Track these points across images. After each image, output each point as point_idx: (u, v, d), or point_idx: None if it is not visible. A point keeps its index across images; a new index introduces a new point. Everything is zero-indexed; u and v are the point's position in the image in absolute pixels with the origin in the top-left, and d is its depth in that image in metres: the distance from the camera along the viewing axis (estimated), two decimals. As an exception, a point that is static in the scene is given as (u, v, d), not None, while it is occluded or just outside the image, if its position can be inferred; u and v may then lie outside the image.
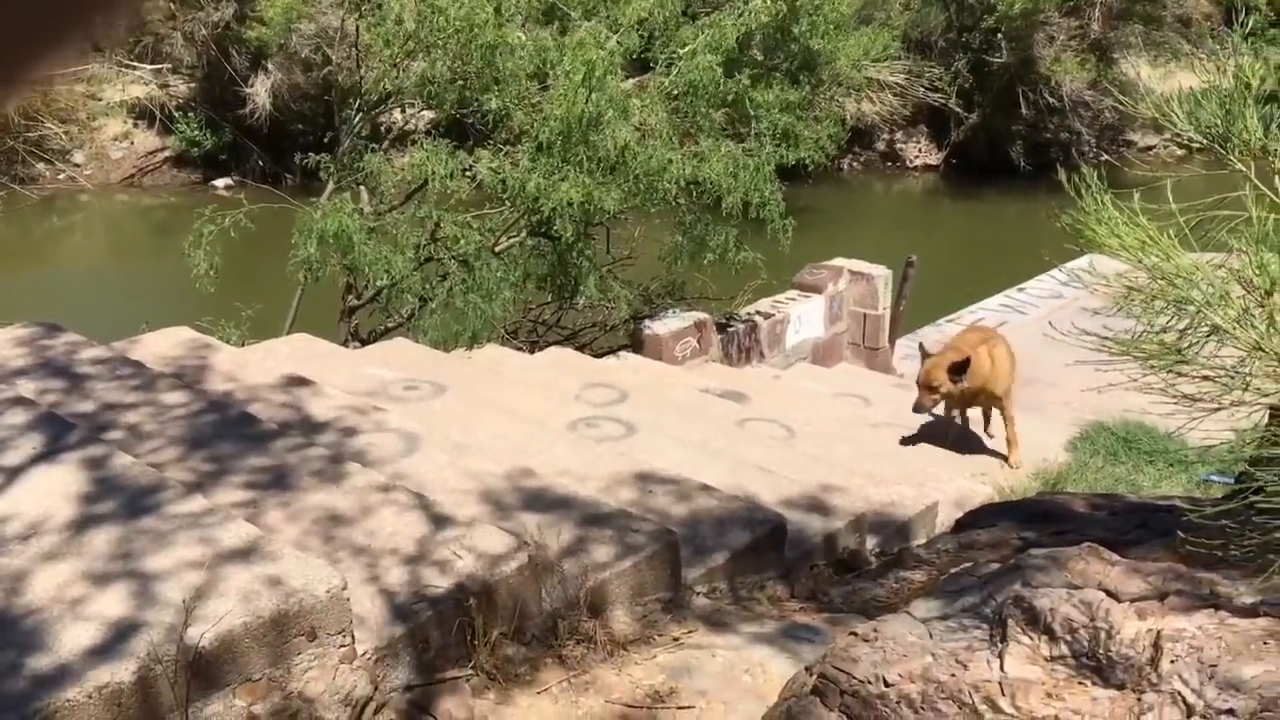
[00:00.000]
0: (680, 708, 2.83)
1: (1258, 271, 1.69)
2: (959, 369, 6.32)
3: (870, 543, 4.44)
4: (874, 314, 9.95)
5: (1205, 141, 2.29)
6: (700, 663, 3.04)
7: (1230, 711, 1.84)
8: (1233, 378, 1.68)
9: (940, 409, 6.84)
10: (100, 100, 19.49)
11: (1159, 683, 1.95)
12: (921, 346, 6.74)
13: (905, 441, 6.82)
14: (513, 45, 7.85)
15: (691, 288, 9.76)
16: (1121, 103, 2.18)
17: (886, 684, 2.16)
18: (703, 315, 9.01)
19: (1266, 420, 2.13)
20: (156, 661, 2.33)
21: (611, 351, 8.64)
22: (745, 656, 3.09)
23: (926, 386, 6.39)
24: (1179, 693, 1.92)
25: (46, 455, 3.27)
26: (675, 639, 3.17)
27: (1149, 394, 2.19)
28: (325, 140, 10.88)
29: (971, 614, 2.36)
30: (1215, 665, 1.92)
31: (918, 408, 6.51)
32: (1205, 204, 2.21)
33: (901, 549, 4.21)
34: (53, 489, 3.07)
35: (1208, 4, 24.01)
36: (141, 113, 19.51)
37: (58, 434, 3.44)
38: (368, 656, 2.69)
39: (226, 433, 3.81)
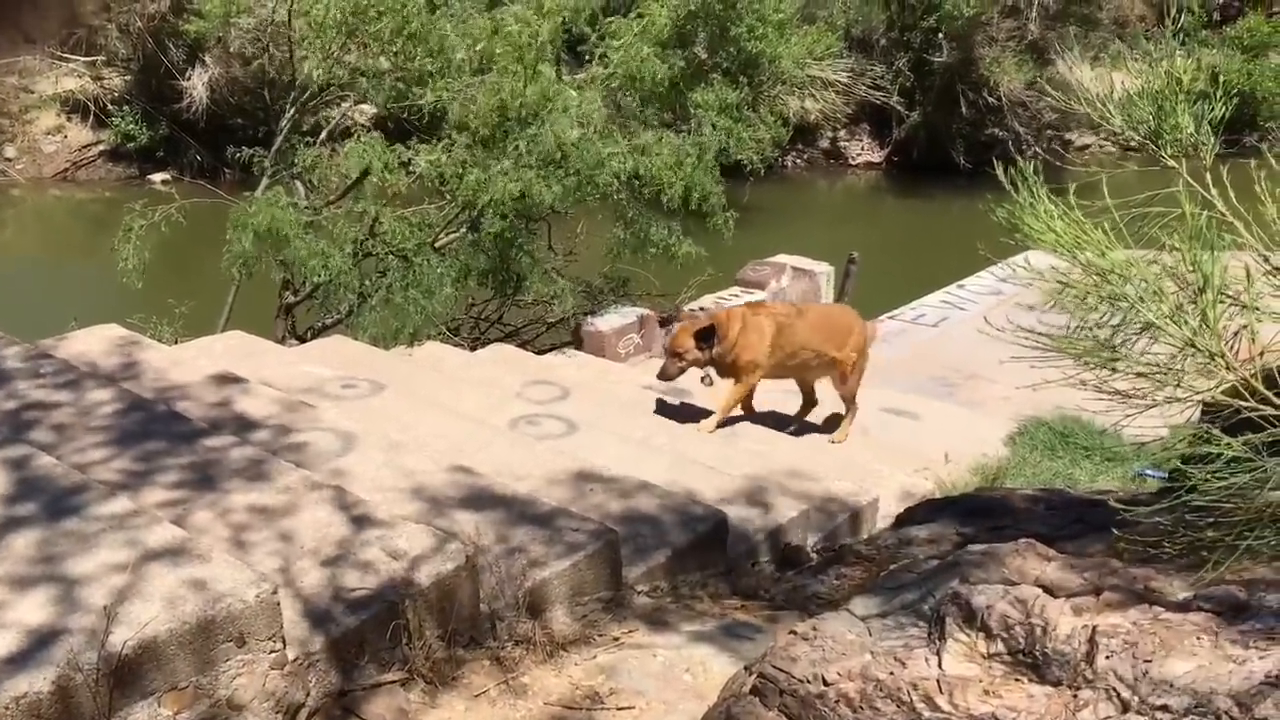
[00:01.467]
0: (620, 708, 2.80)
1: (1191, 268, 1.70)
2: (706, 335, 6.06)
3: (812, 539, 4.44)
4: (816, 310, 9.98)
5: (1139, 138, 2.30)
6: (640, 662, 3.02)
7: (1164, 707, 1.85)
8: (1165, 374, 1.68)
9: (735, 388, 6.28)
10: (32, 93, 19.02)
11: (1094, 679, 1.95)
12: (671, 317, 6.79)
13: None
14: (443, 32, 7.75)
15: (635, 284, 9.75)
16: (1057, 100, 2.20)
17: (825, 683, 2.15)
18: (645, 311, 9.00)
19: (1199, 417, 2.14)
20: (76, 670, 2.25)
21: (554, 348, 8.59)
22: (686, 655, 3.07)
23: (673, 353, 6.17)
24: (1114, 688, 1.92)
25: (-36, 457, 3.16)
26: (615, 639, 3.14)
27: (1084, 390, 2.20)
28: (262, 135, 10.70)
29: (910, 611, 2.36)
30: (1150, 661, 1.93)
31: (663, 374, 6.22)
32: (1138, 200, 2.22)
33: (842, 545, 4.21)
34: (-31, 492, 2.96)
35: (1143, 6, 24.48)
36: (75, 106, 19.07)
37: (-24, 435, 3.33)
38: (299, 662, 2.63)
39: (155, 432, 3.71)
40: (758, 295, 9.71)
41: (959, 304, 11.95)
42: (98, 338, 5.23)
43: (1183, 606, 2.03)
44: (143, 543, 2.71)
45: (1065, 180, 2.34)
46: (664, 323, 9.02)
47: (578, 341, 8.51)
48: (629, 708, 2.81)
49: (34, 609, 2.44)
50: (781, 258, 10.19)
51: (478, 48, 7.79)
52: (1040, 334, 1.82)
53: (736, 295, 9.68)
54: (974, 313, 11.55)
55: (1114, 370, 1.78)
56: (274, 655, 2.57)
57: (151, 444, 3.60)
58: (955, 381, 9.39)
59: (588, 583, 3.30)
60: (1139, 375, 1.75)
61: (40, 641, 2.32)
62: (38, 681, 2.21)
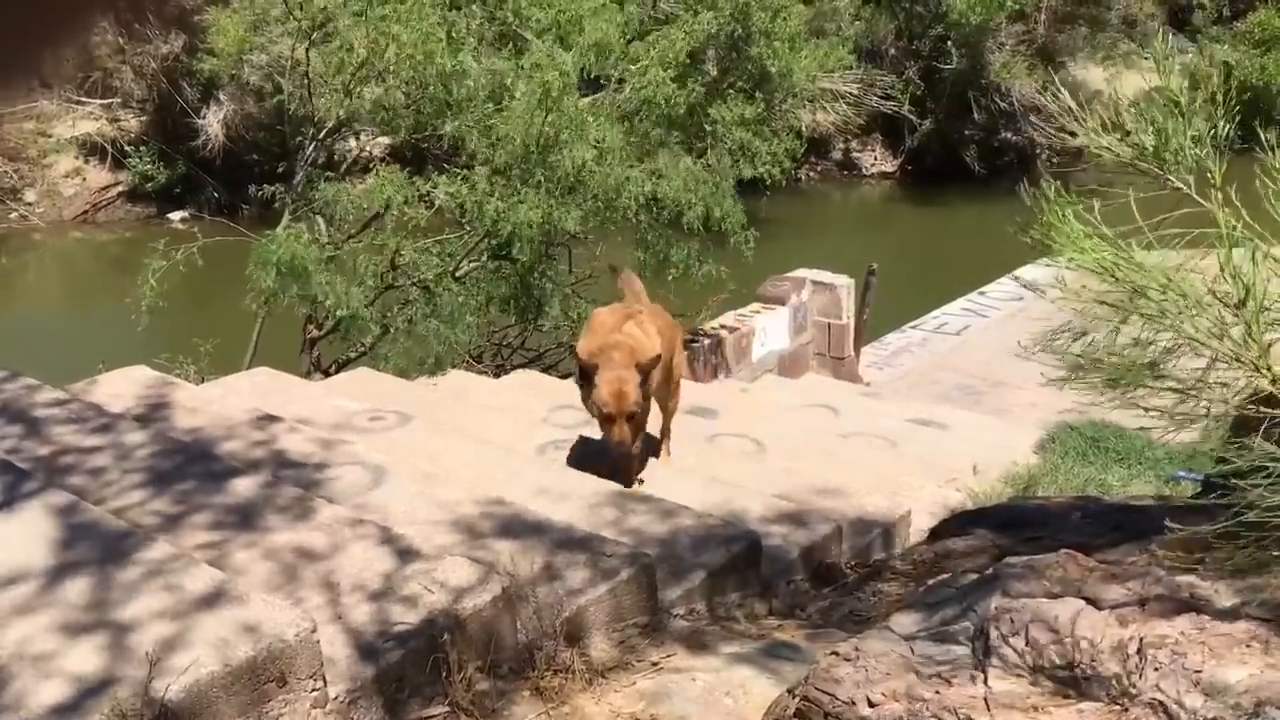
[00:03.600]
0: (662, 734, 2.79)
1: (1230, 279, 1.68)
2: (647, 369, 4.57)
3: (846, 555, 4.42)
4: (838, 323, 9.99)
5: (1142, 164, 2.27)
6: (680, 687, 3.00)
7: (1215, 719, 1.83)
8: (1209, 389, 1.67)
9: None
10: (50, 137, 19.26)
11: (1142, 692, 1.93)
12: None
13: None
14: (467, 69, 7.82)
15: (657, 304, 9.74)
16: (1059, 118, 2.17)
17: (870, 704, 2.13)
18: (668, 332, 9.00)
19: (1232, 426, 2.12)
20: (122, 717, 2.26)
21: (578, 371, 8.60)
22: (725, 678, 3.05)
23: (626, 415, 4.52)
24: (1163, 702, 1.90)
25: (2, 505, 3.19)
26: (654, 664, 3.13)
27: (1119, 403, 2.18)
28: (280, 170, 10.80)
29: (951, 627, 2.34)
30: (1199, 671, 1.91)
31: (622, 447, 4.59)
32: (1162, 207, 2.21)
33: (878, 561, 4.19)
34: (8, 540, 2.99)
35: (1152, 4, 24.41)
36: (93, 148, 19.30)
37: (13, 483, 3.36)
38: (340, 700, 2.63)
39: (188, 473, 3.73)
40: (779, 311, 9.71)
41: (981, 311, 11.94)
42: (127, 380, 5.27)
43: (1230, 614, 2.01)
44: (183, 587, 2.72)
45: (1082, 184, 2.32)
46: (686, 343, 9.03)
47: (601, 364, 8.50)
48: (671, 733, 2.80)
49: (77, 658, 2.45)
50: (801, 272, 10.18)
51: (502, 86, 7.84)
52: (1075, 355, 1.81)
53: (758, 311, 9.68)
54: (996, 319, 11.54)
55: (1151, 388, 1.77)
56: (316, 694, 2.57)
57: (186, 485, 3.62)
58: (981, 389, 9.38)
59: (625, 608, 3.30)
60: (1175, 392, 1.74)
61: (86, 690, 2.33)
62: (84, 731, 2.22)
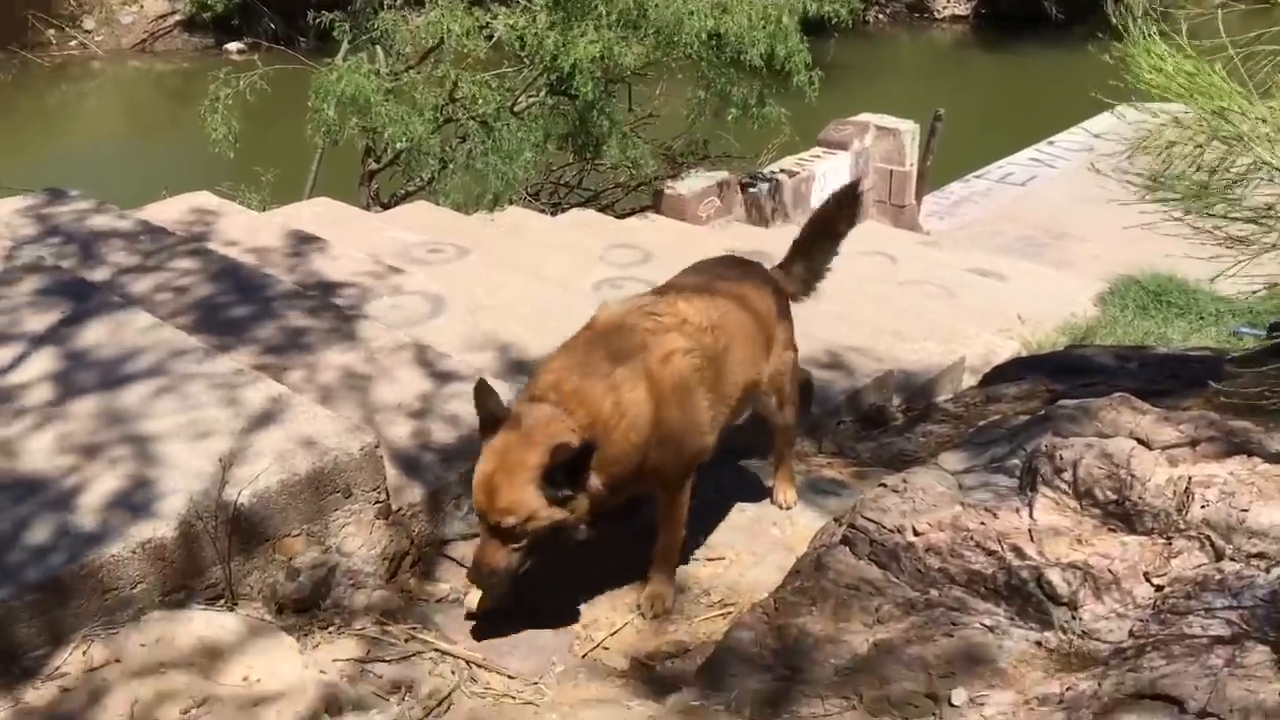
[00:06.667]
0: (709, 559, 2.87)
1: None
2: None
3: (896, 399, 4.44)
4: (900, 170, 9.79)
5: None
6: (729, 516, 3.08)
7: (1261, 555, 1.85)
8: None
9: None
10: (107, -38, 19.06)
11: (1188, 528, 1.95)
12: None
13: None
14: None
15: (715, 147, 9.61)
16: None
17: (915, 533, 2.18)
18: (726, 175, 8.89)
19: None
20: (197, 518, 2.37)
21: (634, 213, 8.56)
22: (773, 510, 3.13)
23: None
24: (1208, 536, 1.93)
25: (72, 319, 3.28)
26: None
27: (1183, 243, 2.14)
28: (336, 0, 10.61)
29: (1000, 465, 2.37)
30: (1246, 510, 1.92)
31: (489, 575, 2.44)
32: (1246, 40, 2.12)
33: (929, 404, 4.22)
34: (79, 351, 3.09)
35: None
36: (150, -25, 19.09)
37: (83, 297, 3.45)
38: (402, 512, 2.74)
39: (248, 295, 3.81)
40: (840, 156, 9.52)
41: (1049, 161, 11.63)
42: (189, 205, 5.34)
43: (1282, 457, 2.02)
44: (249, 400, 2.81)
45: (1170, 24, 2.24)
46: (745, 187, 8.92)
47: (658, 205, 8.46)
48: (719, 559, 2.88)
49: (151, 463, 2.56)
50: (865, 117, 9.94)
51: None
52: (1146, 178, 1.77)
53: (819, 156, 9.51)
54: (1064, 170, 11.24)
55: (1225, 216, 1.73)
56: (379, 505, 2.67)
57: (246, 307, 3.70)
58: (1043, 241, 9.21)
59: (676, 440, 3.35)
60: (1250, 222, 1.70)
61: (160, 493, 2.44)
62: (161, 528, 2.33)
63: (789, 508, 3.10)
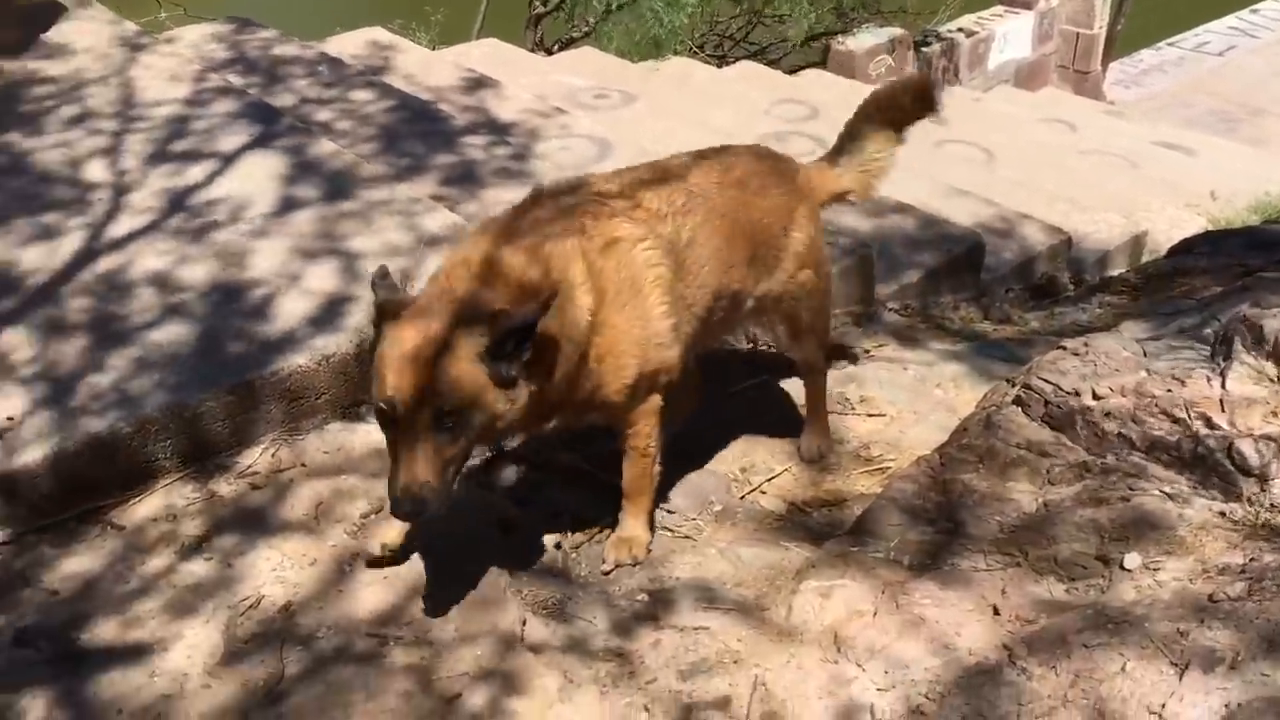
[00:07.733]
0: (870, 415, 2.85)
1: None
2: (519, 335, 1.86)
3: (1072, 269, 4.27)
4: (1088, 33, 9.22)
5: None
6: (891, 374, 3.04)
7: None
8: None
9: None
10: None
11: (1400, 409, 1.84)
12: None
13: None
14: None
15: (889, 2, 9.20)
16: None
17: (1095, 396, 2.11)
18: (899, 31, 8.53)
19: None
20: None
21: (801, 69, 8.31)
22: (937, 371, 3.07)
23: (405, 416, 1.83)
24: None
25: (259, 141, 3.38)
26: (866, 351, 3.17)
27: None
28: None
29: (1189, 335, 2.27)
30: None
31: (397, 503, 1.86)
32: None
33: (1107, 275, 4.04)
34: (268, 173, 3.19)
35: None
36: None
37: (267, 122, 3.55)
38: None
39: (422, 130, 3.86)
40: (1023, 16, 9.02)
41: (1251, 30, 10.79)
42: (364, 40, 5.40)
43: None
44: (423, 226, 2.88)
45: None
46: (918, 46, 8.55)
47: (827, 62, 8.20)
48: (880, 415, 2.86)
49: (330, 279, 2.66)
50: (1053, -28, 9.36)
51: None
52: None
53: (1000, 15, 9.03)
54: (1267, 40, 10.43)
55: None
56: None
57: (421, 140, 3.76)
58: (1238, 117, 8.64)
59: (839, 296, 3.31)
60: None
61: (338, 309, 2.54)
62: (343, 344, 2.43)
63: (817, 460, 2.62)
